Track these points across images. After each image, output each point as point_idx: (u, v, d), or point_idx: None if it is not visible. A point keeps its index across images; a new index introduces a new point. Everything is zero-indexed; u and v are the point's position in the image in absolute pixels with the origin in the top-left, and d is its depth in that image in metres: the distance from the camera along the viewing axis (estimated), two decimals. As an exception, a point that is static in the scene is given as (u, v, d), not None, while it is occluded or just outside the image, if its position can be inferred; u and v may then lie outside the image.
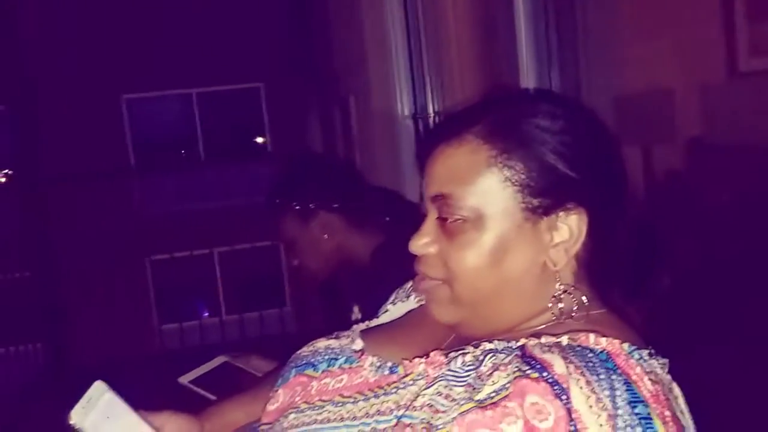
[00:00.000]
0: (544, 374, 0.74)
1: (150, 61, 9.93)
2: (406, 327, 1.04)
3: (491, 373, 0.78)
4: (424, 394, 0.82)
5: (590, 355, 0.77)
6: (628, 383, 0.74)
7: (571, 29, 2.17)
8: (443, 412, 0.78)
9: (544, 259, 0.86)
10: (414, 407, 0.81)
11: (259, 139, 11.79)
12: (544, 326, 0.87)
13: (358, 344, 0.98)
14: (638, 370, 0.77)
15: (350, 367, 0.95)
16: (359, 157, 3.17)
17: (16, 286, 9.51)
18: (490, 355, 0.81)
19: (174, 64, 10.11)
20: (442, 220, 0.88)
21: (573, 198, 0.85)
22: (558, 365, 0.74)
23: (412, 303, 1.11)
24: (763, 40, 1.66)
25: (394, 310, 1.13)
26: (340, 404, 0.90)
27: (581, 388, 0.72)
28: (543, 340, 0.82)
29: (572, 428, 0.71)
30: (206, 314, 10.79)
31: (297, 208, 1.85)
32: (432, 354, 0.88)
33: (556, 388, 0.73)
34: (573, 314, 0.86)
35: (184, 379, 1.64)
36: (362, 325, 1.11)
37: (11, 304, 9.08)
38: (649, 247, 0.92)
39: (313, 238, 1.85)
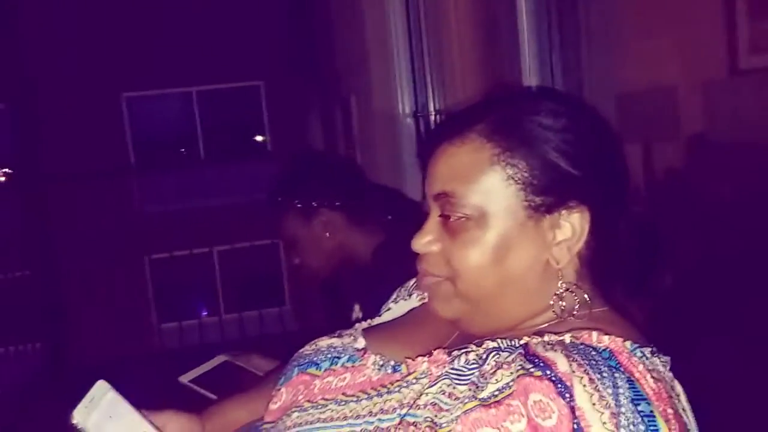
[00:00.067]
0: (548, 372, 0.74)
1: (150, 59, 9.92)
2: (408, 325, 1.04)
3: (494, 372, 0.78)
4: (428, 393, 0.82)
5: (593, 353, 0.77)
6: (631, 381, 0.74)
7: (573, 28, 2.17)
8: (447, 410, 0.78)
9: (546, 257, 0.86)
10: (417, 406, 0.81)
11: (259, 138, 11.78)
12: (546, 324, 0.87)
13: (361, 343, 0.98)
14: (641, 367, 0.77)
15: (353, 366, 0.95)
16: (360, 155, 3.16)
17: (16, 285, 9.50)
18: (494, 353, 0.81)
19: (174, 62, 10.09)
20: (444, 218, 0.88)
21: (575, 196, 0.85)
22: (561, 363, 0.74)
23: (414, 301, 1.11)
24: (764, 38, 1.66)
25: (396, 308, 1.13)
26: (343, 403, 0.90)
27: (584, 386, 0.72)
28: (546, 338, 0.82)
29: (576, 426, 0.71)
30: (205, 313, 10.77)
31: (299, 206, 1.84)
32: (435, 352, 0.88)
33: (559, 386, 0.73)
34: (575, 312, 0.86)
35: (185, 379, 1.63)
36: (365, 324, 1.10)
37: (11, 303, 9.07)
38: (651, 245, 0.92)
39: (315, 237, 1.84)
